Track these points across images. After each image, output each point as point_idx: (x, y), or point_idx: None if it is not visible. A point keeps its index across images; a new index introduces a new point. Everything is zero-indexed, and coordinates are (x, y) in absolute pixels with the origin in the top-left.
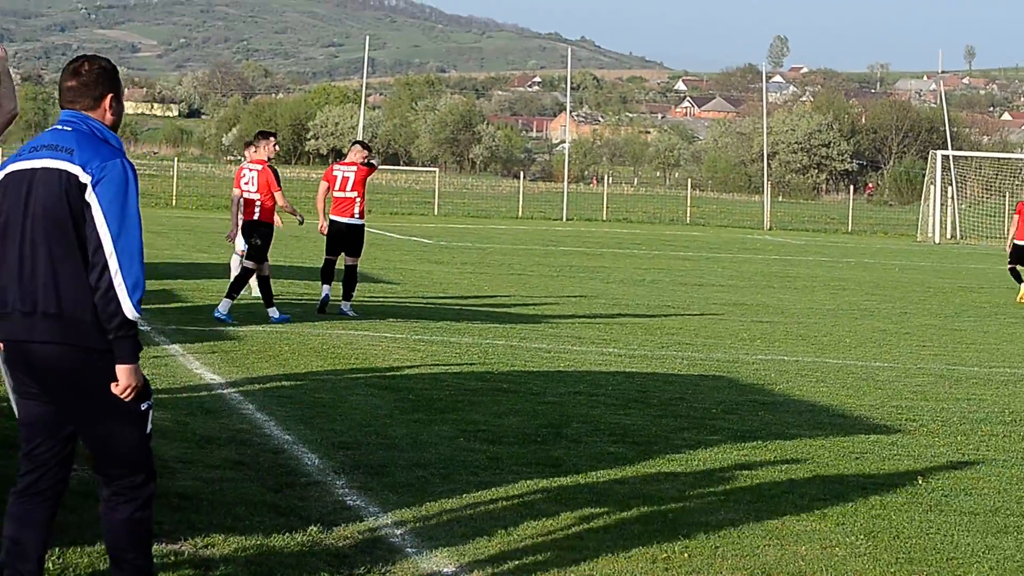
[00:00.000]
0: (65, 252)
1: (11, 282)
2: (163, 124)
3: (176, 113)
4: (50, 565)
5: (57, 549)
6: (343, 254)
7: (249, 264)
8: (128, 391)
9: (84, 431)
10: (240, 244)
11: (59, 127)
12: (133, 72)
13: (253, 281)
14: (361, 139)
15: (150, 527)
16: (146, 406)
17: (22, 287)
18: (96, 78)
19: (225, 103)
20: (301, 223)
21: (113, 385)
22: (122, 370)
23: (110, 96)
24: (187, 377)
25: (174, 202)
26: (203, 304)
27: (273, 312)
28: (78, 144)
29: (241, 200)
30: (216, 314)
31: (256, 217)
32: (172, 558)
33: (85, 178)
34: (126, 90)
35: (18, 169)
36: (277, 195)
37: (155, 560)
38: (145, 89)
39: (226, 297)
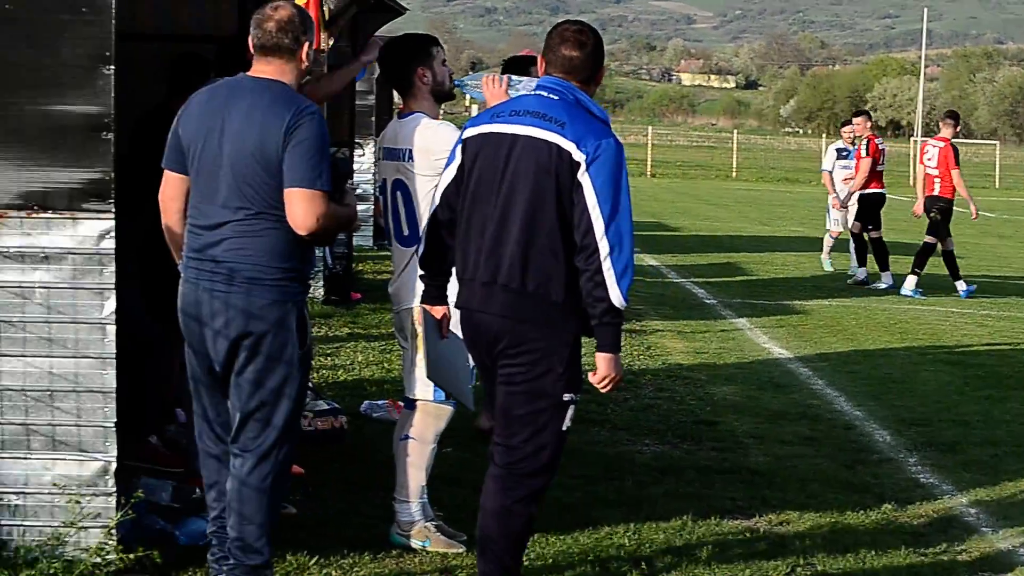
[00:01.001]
0: (540, 227)
1: (475, 248)
2: (720, 95)
3: (733, 84)
4: (625, 541)
5: (632, 524)
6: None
7: (929, 239)
8: (607, 382)
9: (507, 405)
10: (831, 222)
11: (543, 94)
12: (689, 44)
13: (827, 257)
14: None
15: None
16: (569, 398)
17: (486, 255)
18: (597, 49)
19: (782, 75)
20: (975, 218)
21: (591, 374)
22: (603, 358)
23: (601, 71)
24: (755, 351)
25: (734, 174)
26: (767, 277)
27: (960, 285)
28: (569, 117)
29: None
30: (903, 291)
31: (936, 192)
32: (747, 535)
33: (579, 156)
34: (682, 61)
35: (496, 132)
36: (954, 173)
37: (730, 536)
38: (701, 60)
39: (910, 274)
